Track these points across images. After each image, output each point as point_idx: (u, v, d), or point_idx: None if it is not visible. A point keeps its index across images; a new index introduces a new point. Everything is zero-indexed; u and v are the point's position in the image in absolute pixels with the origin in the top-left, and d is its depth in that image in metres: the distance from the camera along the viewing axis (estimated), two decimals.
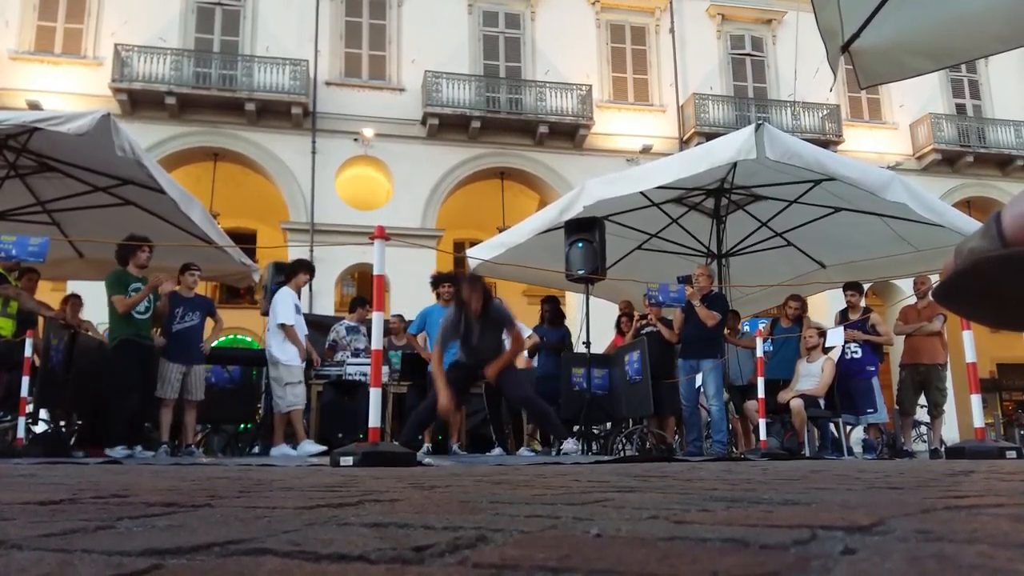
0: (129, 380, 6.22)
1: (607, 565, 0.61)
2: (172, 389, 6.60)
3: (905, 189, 6.52)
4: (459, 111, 17.68)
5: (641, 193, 7.38)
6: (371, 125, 17.55)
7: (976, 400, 5.42)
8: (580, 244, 6.99)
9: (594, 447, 7.36)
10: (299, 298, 7.25)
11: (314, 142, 17.33)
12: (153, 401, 6.54)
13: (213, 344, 7.26)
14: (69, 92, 16.35)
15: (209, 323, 7.13)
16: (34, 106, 15.23)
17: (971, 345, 5.40)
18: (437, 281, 7.53)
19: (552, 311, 8.47)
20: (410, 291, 7.72)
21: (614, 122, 19.03)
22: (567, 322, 8.80)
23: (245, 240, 16.71)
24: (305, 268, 7.35)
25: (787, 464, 4.11)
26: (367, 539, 0.78)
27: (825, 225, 8.05)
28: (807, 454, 6.77)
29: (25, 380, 5.98)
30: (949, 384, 8.20)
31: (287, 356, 6.82)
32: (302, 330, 7.04)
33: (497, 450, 7.26)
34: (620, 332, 8.73)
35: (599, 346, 8.13)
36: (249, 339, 18.46)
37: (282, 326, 6.84)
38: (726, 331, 7.71)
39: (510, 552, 0.70)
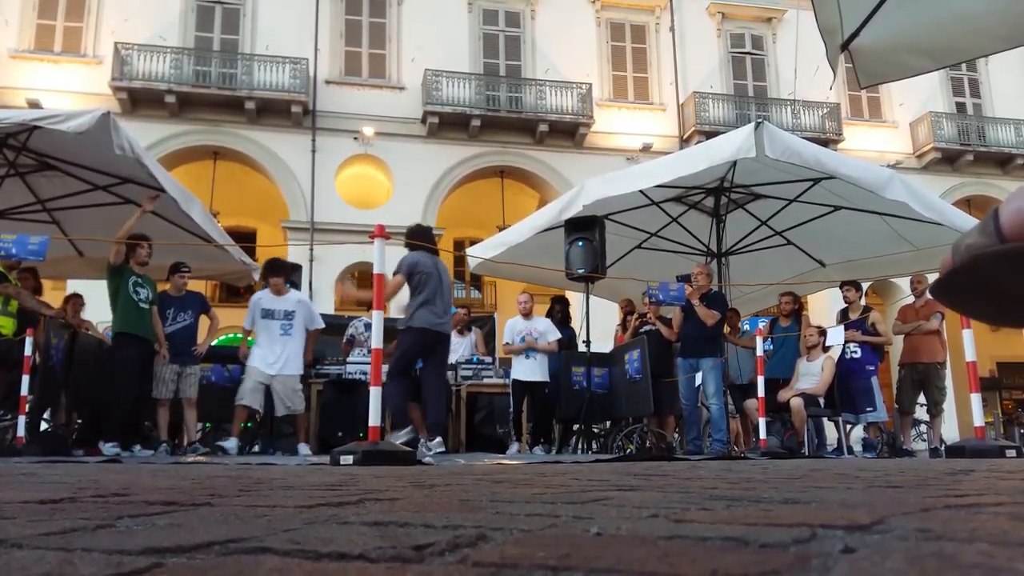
0: (127, 376, 6.15)
1: (607, 564, 0.61)
2: (167, 389, 6.61)
3: (904, 187, 6.51)
4: (459, 110, 17.68)
5: (640, 192, 7.38)
6: (371, 124, 17.55)
7: (976, 399, 5.42)
8: (580, 243, 6.99)
9: (594, 446, 7.38)
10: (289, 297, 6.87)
11: (314, 141, 17.33)
12: (151, 399, 6.54)
13: (212, 343, 7.22)
14: (69, 90, 16.34)
15: (205, 321, 7.11)
16: (34, 104, 15.23)
17: (971, 344, 5.39)
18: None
19: (563, 312, 8.46)
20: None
21: (614, 121, 19.03)
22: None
23: (245, 239, 16.70)
24: (270, 270, 6.92)
25: (787, 463, 4.11)
26: (367, 538, 0.79)
27: (825, 224, 8.04)
28: (807, 453, 6.78)
29: (25, 379, 5.97)
30: (949, 383, 8.21)
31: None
32: (266, 333, 6.76)
33: (515, 447, 7.19)
34: (625, 330, 8.72)
35: (599, 344, 8.12)
36: (250, 338, 18.42)
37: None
38: (727, 330, 7.72)
39: (510, 551, 0.70)
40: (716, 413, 6.96)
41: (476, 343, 8.55)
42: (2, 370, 6.45)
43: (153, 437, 6.88)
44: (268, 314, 6.72)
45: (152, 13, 17.33)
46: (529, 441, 7.60)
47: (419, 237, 6.16)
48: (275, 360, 6.62)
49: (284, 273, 7.00)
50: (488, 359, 8.35)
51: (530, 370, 7.54)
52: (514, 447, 7.24)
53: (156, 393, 6.56)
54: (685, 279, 7.47)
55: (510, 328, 7.83)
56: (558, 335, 7.77)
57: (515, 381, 7.57)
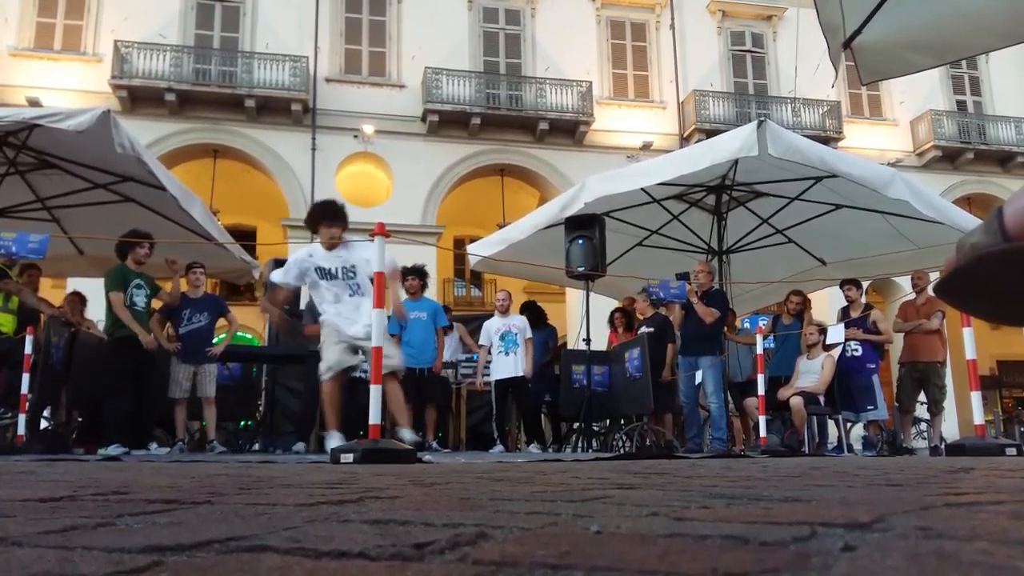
0: (123, 377, 6.14)
1: (607, 562, 0.61)
2: (182, 389, 6.69)
3: (907, 186, 6.51)
4: (459, 108, 17.66)
5: (642, 189, 7.38)
6: (371, 122, 17.54)
7: (976, 397, 5.42)
8: (580, 241, 6.99)
9: (594, 444, 7.38)
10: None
11: (314, 139, 17.31)
12: (154, 398, 6.53)
13: (227, 343, 7.28)
14: (69, 89, 16.33)
15: (223, 323, 7.19)
16: (34, 103, 15.21)
17: (971, 342, 5.38)
18: (403, 274, 7.43)
19: (532, 312, 8.40)
20: None
21: (614, 119, 19.01)
22: (568, 320, 8.79)
23: (245, 237, 16.71)
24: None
25: (787, 461, 4.11)
26: (367, 536, 0.78)
27: (826, 222, 8.04)
28: (807, 451, 6.77)
29: (26, 377, 5.97)
30: (949, 381, 8.20)
31: None
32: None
33: (498, 447, 7.28)
34: (614, 329, 8.61)
35: (599, 343, 8.12)
36: (249, 336, 18.45)
37: None
38: (724, 329, 7.71)
39: (510, 549, 0.70)
40: (715, 412, 6.96)
41: (461, 338, 8.56)
42: (3, 368, 6.45)
43: (159, 435, 6.90)
44: None
45: (152, 11, 17.31)
46: (525, 440, 7.60)
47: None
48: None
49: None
50: (474, 355, 8.38)
51: (510, 367, 7.48)
52: (497, 448, 7.23)
53: (171, 393, 6.67)
54: (684, 277, 7.48)
55: (486, 329, 7.81)
56: (529, 334, 7.78)
57: (495, 381, 7.58)
